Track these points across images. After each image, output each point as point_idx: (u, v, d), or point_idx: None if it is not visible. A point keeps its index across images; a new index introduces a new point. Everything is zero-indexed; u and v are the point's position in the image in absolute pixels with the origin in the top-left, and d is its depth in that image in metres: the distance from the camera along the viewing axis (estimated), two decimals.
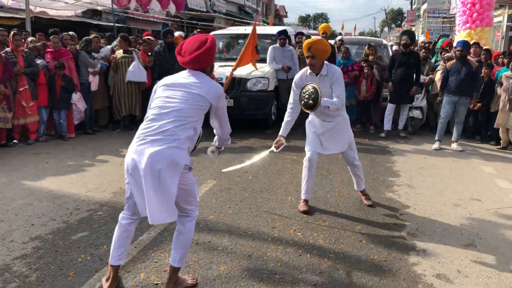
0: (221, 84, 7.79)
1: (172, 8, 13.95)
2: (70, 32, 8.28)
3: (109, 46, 8.63)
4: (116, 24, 13.62)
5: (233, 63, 7.95)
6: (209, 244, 3.71)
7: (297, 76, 4.45)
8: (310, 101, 4.03)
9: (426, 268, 3.41)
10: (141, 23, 21.94)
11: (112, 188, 5.09)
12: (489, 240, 3.92)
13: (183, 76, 2.90)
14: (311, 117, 4.51)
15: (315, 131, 4.48)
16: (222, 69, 8.19)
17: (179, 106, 2.76)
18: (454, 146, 7.35)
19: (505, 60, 7.69)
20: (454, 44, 9.73)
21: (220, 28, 21.44)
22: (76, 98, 7.58)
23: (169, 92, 2.83)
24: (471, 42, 9.62)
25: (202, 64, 2.89)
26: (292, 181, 5.45)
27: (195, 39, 2.93)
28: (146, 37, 9.06)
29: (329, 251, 3.64)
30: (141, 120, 2.95)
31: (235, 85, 7.95)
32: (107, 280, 2.96)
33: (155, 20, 22.07)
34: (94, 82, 7.92)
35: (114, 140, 7.48)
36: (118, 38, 8.33)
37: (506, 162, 6.60)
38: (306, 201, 4.55)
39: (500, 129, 7.38)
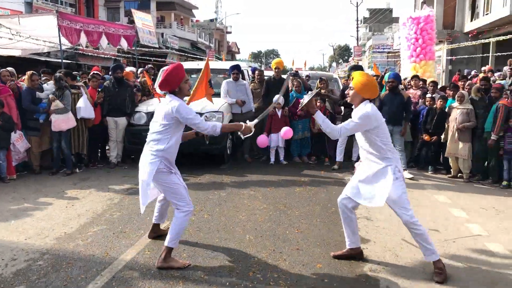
0: None
1: (124, 44, 13.86)
2: (9, 68, 7.83)
3: (51, 82, 8.21)
4: (65, 61, 13.24)
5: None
6: None
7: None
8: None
9: None
10: (91, 59, 21.53)
11: (55, 234, 4.68)
12: (452, 272, 3.84)
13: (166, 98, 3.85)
14: (362, 160, 4.02)
15: (357, 175, 4.03)
16: None
17: (155, 126, 3.78)
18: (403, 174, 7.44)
19: (451, 92, 7.98)
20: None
21: (173, 63, 21.42)
22: (15, 137, 7.10)
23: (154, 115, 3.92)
24: (411, 75, 10.03)
25: (167, 87, 3.74)
26: (250, 218, 5.25)
27: (167, 68, 3.85)
28: (95, 71, 8.75)
29: None
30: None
31: None
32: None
33: (105, 56, 21.74)
34: (62, 120, 7.23)
35: (59, 181, 7.00)
36: None
37: (458, 191, 6.71)
38: (348, 249, 4.10)
39: (450, 158, 7.57)
